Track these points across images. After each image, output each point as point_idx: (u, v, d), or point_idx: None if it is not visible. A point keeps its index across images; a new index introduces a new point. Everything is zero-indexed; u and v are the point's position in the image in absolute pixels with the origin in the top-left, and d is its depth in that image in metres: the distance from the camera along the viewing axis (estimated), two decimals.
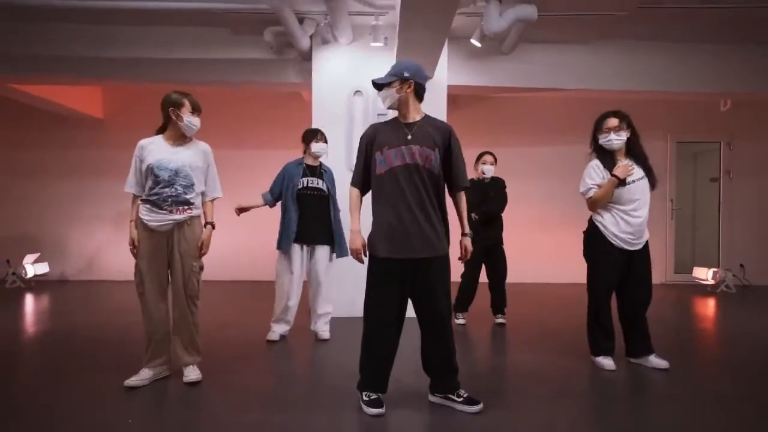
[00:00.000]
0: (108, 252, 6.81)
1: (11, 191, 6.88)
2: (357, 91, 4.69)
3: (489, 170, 4.39)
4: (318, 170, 3.82)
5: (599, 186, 3.08)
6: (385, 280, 2.42)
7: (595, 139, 3.18)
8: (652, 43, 5.21)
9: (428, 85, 4.72)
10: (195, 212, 2.86)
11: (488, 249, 4.35)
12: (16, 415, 2.49)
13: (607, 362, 3.18)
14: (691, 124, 6.95)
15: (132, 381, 2.76)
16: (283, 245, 3.73)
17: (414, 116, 2.48)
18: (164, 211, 2.73)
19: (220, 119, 6.82)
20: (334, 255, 3.84)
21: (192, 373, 2.84)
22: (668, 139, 6.94)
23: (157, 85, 5.76)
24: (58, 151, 6.88)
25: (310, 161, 3.83)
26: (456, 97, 6.12)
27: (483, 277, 4.47)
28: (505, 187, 4.47)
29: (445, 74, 4.74)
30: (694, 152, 7.65)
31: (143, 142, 2.81)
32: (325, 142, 3.83)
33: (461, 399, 2.51)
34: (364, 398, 2.49)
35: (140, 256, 2.76)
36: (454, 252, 2.48)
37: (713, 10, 4.39)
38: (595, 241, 3.17)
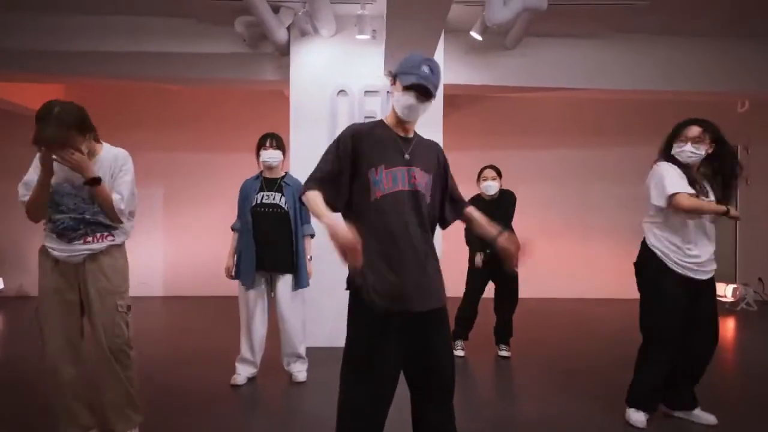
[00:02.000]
0: None
1: None
2: (341, 90, 4.16)
3: (491, 187, 3.82)
4: (278, 183, 3.20)
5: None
6: (378, 343, 1.70)
7: (668, 147, 2.63)
8: (667, 37, 4.75)
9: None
10: (117, 240, 2.27)
11: (497, 268, 3.70)
12: None
13: (639, 417, 2.66)
14: None
15: None
16: (239, 276, 3.19)
17: (411, 133, 1.90)
18: (78, 240, 2.16)
19: (193, 119, 6.31)
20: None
21: None
22: None
23: (120, 81, 5.24)
24: (15, 152, 6.27)
25: (267, 173, 3.24)
26: (453, 97, 5.61)
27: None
28: (513, 203, 3.91)
29: (441, 71, 4.19)
30: None
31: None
32: (278, 148, 3.20)
33: None
34: None
35: (41, 296, 2.19)
36: None
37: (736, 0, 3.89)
38: (653, 271, 2.60)
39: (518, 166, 6.21)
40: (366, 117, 4.14)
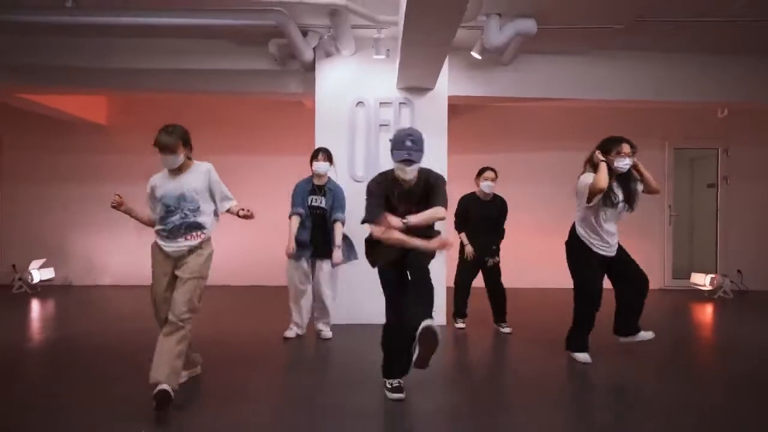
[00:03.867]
0: (111, 257, 6.89)
1: (18, 197, 6.96)
2: (359, 102, 4.78)
3: (490, 186, 4.40)
4: (323, 188, 4.04)
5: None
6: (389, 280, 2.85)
7: (590, 159, 3.50)
8: (648, 53, 5.28)
9: (429, 96, 4.87)
10: (207, 234, 2.95)
11: (485, 265, 4.45)
12: (21, 425, 2.53)
13: (583, 357, 3.55)
14: (689, 130, 7.03)
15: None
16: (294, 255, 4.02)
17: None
18: (180, 238, 2.86)
19: (219, 126, 6.90)
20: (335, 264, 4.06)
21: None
22: (666, 146, 7.02)
23: (161, 93, 5.88)
24: (64, 157, 6.96)
25: (316, 179, 4.05)
26: (455, 107, 6.19)
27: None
28: (506, 208, 4.55)
29: (446, 85, 4.82)
30: (691, 158, 7.74)
31: (152, 180, 2.97)
32: (327, 160, 4.01)
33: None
34: (387, 386, 2.88)
35: (154, 278, 2.92)
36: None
37: (708, 23, 4.47)
38: (576, 247, 3.56)
39: (513, 168, 6.72)
40: (381, 125, 4.76)
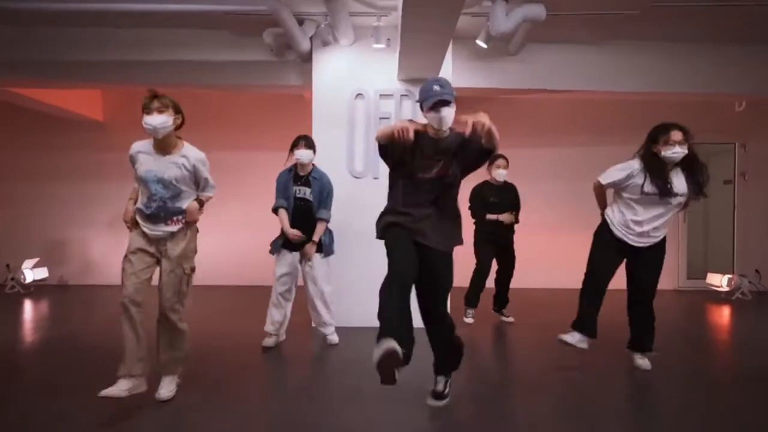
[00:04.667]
0: (108, 256, 6.72)
1: (10, 195, 6.81)
2: (358, 94, 4.57)
3: (502, 174, 4.54)
4: (306, 178, 3.77)
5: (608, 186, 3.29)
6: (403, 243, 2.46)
7: (648, 147, 3.14)
8: (662, 43, 5.04)
9: None
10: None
11: (501, 247, 4.58)
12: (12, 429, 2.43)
13: (575, 337, 3.32)
14: (705, 124, 6.66)
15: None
16: (273, 248, 3.79)
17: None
18: (161, 223, 2.71)
19: (220, 121, 6.75)
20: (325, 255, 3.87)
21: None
22: None
23: (156, 87, 5.69)
24: (58, 154, 6.81)
25: (300, 169, 3.79)
26: (460, 99, 5.96)
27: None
28: (518, 196, 4.70)
29: (450, 76, 4.59)
30: (706, 153, 7.42)
31: (135, 147, 2.76)
32: (309, 147, 3.74)
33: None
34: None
35: (128, 252, 2.73)
36: None
37: (727, 8, 4.21)
38: (600, 230, 3.35)
39: (520, 164, 6.49)
40: (381, 118, 4.54)
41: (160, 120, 2.58)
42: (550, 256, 6.58)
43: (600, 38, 4.95)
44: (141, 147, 2.73)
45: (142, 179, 2.67)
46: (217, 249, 6.65)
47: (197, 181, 2.79)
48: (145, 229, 2.71)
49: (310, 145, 3.75)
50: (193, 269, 2.82)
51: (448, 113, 2.41)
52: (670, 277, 6.61)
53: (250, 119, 6.79)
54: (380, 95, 4.55)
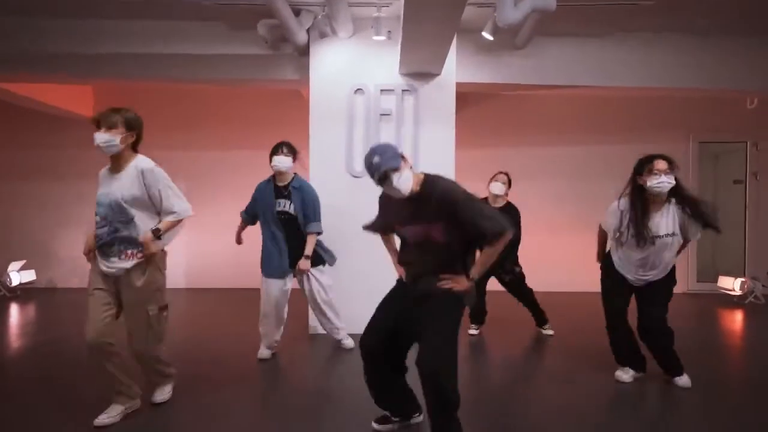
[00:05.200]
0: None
1: None
2: (358, 89, 4.34)
3: (499, 188, 4.10)
4: (285, 189, 3.50)
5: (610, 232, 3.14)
6: (381, 305, 2.33)
7: (633, 181, 3.00)
8: (675, 36, 4.83)
9: (436, 82, 4.43)
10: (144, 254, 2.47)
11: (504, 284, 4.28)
12: None
13: (623, 374, 3.18)
14: (715, 123, 6.54)
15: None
16: (267, 269, 3.52)
17: (414, 188, 2.23)
18: (113, 257, 2.42)
19: (216, 120, 6.54)
20: (327, 265, 3.69)
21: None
22: (690, 139, 6.53)
23: (148, 82, 5.48)
24: (46, 152, 6.58)
25: (278, 178, 3.53)
26: (464, 95, 5.77)
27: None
28: (519, 218, 4.16)
29: (454, 70, 4.38)
30: (715, 153, 7.23)
31: (101, 171, 2.56)
32: (289, 154, 3.47)
33: None
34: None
35: (89, 288, 2.50)
36: None
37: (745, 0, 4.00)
38: (606, 266, 3.21)
39: (527, 163, 6.34)
40: (382, 114, 4.32)
41: (104, 138, 2.36)
42: (558, 258, 6.37)
43: (611, 31, 4.75)
44: (103, 170, 2.51)
45: (96, 203, 2.44)
46: (213, 250, 6.45)
47: (155, 201, 2.45)
48: (101, 265, 2.43)
49: (290, 151, 3.48)
50: (161, 308, 2.52)
51: (399, 179, 2.10)
52: (679, 280, 6.34)
53: (247, 117, 6.57)
54: (381, 90, 4.33)
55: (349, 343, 3.79)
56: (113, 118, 2.37)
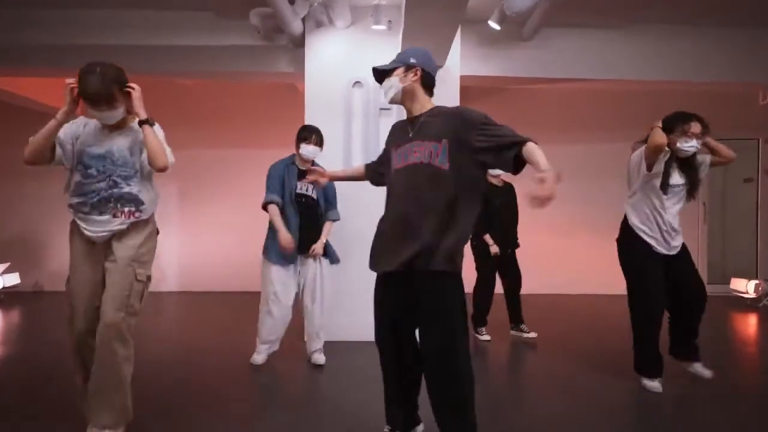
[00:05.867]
0: None
1: None
2: (356, 82, 4.11)
3: (498, 172, 4.06)
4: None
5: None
6: (378, 298, 2.06)
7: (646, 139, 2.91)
8: (685, 27, 4.63)
9: (439, 74, 4.18)
10: (144, 215, 2.24)
11: (502, 258, 4.10)
12: None
13: (653, 385, 2.93)
14: (726, 119, 6.28)
15: None
16: (271, 255, 3.26)
17: (420, 110, 2.05)
18: (107, 215, 2.15)
19: (208, 117, 6.31)
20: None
21: None
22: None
23: (135, 76, 5.23)
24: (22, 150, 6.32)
25: (299, 163, 3.29)
26: (468, 89, 5.54)
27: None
28: (515, 197, 4.22)
29: (458, 63, 4.15)
30: None
31: (81, 119, 2.25)
32: (319, 145, 3.28)
33: None
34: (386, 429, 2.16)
35: (71, 269, 2.21)
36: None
37: None
38: (631, 245, 2.97)
39: None
40: (381, 109, 4.09)
41: (112, 116, 2.12)
42: (562, 259, 6.16)
43: (621, 22, 4.53)
44: (76, 124, 2.20)
45: (80, 156, 2.14)
46: (205, 252, 6.22)
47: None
48: (87, 232, 2.15)
49: (321, 141, 3.30)
50: (148, 278, 2.23)
51: (386, 87, 2.03)
52: None
53: (240, 114, 6.36)
54: None
55: (321, 358, 3.39)
56: (107, 89, 2.02)
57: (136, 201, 2.19)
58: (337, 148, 4.05)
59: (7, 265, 5.83)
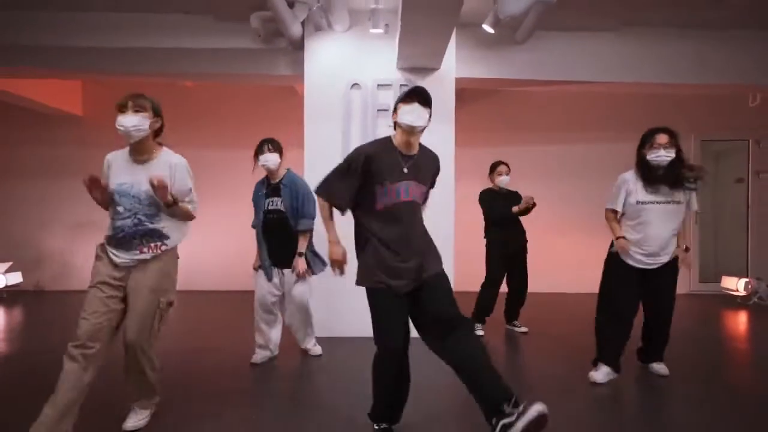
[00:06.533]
0: (88, 258, 6.31)
1: None
2: (354, 84, 4.20)
3: (506, 181, 4.26)
4: (277, 186, 3.33)
5: (615, 213, 3.14)
6: (392, 308, 2.19)
7: (639, 154, 3.06)
8: (680, 30, 4.73)
9: (434, 77, 4.30)
10: (169, 247, 2.39)
11: (512, 256, 4.26)
12: None
13: (597, 374, 3.12)
14: (717, 121, 6.46)
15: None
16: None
17: (414, 150, 2.29)
18: (134, 250, 2.29)
19: (207, 118, 6.40)
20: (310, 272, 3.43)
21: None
22: (692, 138, 6.43)
23: (138, 78, 5.32)
24: (33, 150, 6.41)
25: (270, 177, 3.37)
26: (462, 91, 5.64)
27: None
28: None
29: (453, 65, 4.25)
30: (716, 151, 7.15)
31: (108, 156, 2.41)
32: (275, 151, 3.30)
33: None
34: (375, 427, 2.35)
35: (92, 284, 2.32)
36: None
37: None
38: (611, 261, 3.18)
39: (531, 161, 6.24)
40: (379, 110, 4.18)
41: (134, 121, 2.24)
42: (562, 258, 6.25)
43: (614, 25, 4.63)
44: (115, 156, 2.38)
45: (115, 193, 2.29)
46: (199, 251, 6.29)
47: (178, 196, 2.34)
48: (113, 257, 2.29)
49: (276, 148, 3.31)
50: (170, 303, 2.39)
51: (425, 114, 2.20)
52: (682, 281, 6.20)
53: (239, 115, 6.44)
54: (378, 85, 4.19)
55: (317, 350, 3.61)
56: (142, 100, 2.27)
57: (161, 236, 2.34)
58: (336, 149, 4.14)
59: (9, 264, 5.90)
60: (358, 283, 2.23)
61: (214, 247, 6.27)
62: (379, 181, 2.18)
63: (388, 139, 2.28)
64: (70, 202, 6.32)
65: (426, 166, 2.29)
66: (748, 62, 4.78)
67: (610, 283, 3.14)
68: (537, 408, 1.84)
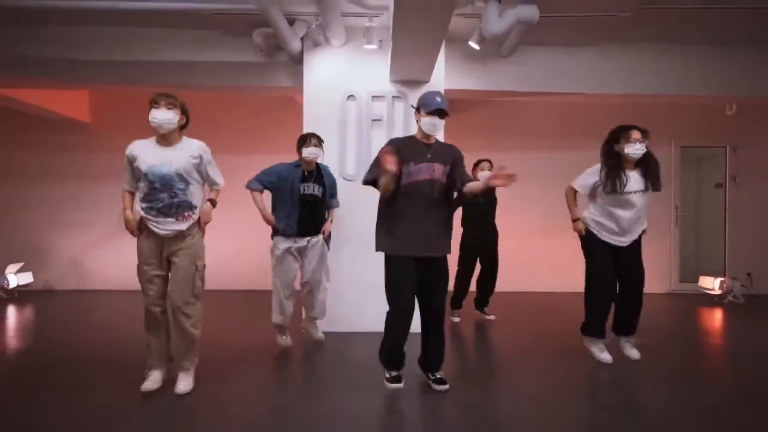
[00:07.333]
0: (96, 260, 6.60)
1: None
2: (350, 95, 4.50)
3: (487, 176, 4.44)
4: (314, 174, 3.83)
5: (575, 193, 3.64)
6: (404, 273, 2.80)
7: (610, 148, 3.46)
8: (657, 45, 5.03)
9: (425, 88, 4.61)
10: (196, 215, 2.87)
11: (481, 248, 4.78)
12: None
13: (600, 351, 3.56)
14: (696, 128, 6.77)
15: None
16: (284, 231, 3.75)
17: (433, 140, 2.96)
18: (170, 219, 2.75)
19: (210, 125, 6.62)
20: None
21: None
22: (672, 144, 6.76)
23: (144, 88, 5.60)
24: (44, 156, 6.68)
25: (305, 166, 3.81)
26: (453, 102, 5.92)
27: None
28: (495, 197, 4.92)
29: (443, 78, 4.56)
30: (698, 157, 7.47)
31: (133, 145, 2.84)
32: (317, 146, 3.79)
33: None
34: (387, 375, 2.98)
35: (140, 258, 2.84)
36: None
37: (718, 11, 4.21)
38: (588, 239, 3.58)
39: (518, 167, 6.43)
40: (373, 120, 4.48)
41: (166, 116, 2.70)
42: (548, 259, 6.54)
43: (594, 40, 4.94)
44: (141, 144, 2.80)
45: (147, 174, 2.69)
46: (215, 253, 6.55)
47: (202, 172, 2.86)
48: (155, 228, 2.73)
49: (320, 142, 3.82)
50: (204, 266, 2.89)
51: (441, 124, 2.84)
52: (662, 280, 6.61)
53: (243, 123, 6.70)
54: (372, 97, 4.49)
55: (319, 334, 4.05)
56: (173, 99, 2.72)
57: (190, 205, 2.79)
58: (333, 156, 4.44)
59: (21, 264, 6.16)
60: (378, 248, 2.86)
61: (215, 247, 6.51)
62: (405, 162, 2.77)
63: (412, 136, 2.97)
64: (77, 206, 6.59)
65: (443, 151, 2.91)
66: (723, 75, 5.08)
67: (592, 254, 3.54)
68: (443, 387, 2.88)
